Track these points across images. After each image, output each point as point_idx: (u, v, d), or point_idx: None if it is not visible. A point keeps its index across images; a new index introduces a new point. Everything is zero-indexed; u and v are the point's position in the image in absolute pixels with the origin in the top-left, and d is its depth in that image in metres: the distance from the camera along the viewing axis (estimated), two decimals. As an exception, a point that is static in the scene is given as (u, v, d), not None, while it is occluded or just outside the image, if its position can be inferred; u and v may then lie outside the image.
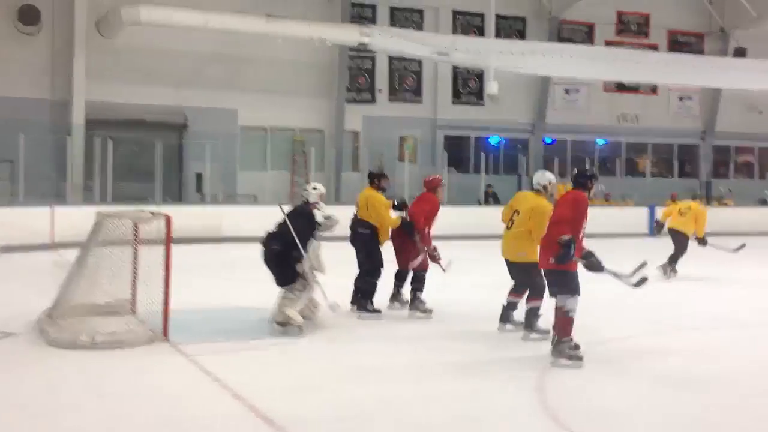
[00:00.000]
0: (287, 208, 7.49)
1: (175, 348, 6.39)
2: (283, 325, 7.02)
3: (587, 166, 6.03)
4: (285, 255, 7.15)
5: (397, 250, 8.32)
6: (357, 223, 8.34)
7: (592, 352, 6.27)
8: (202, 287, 9.56)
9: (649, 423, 4.80)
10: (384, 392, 5.30)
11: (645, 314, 8.36)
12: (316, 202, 7.64)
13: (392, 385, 5.49)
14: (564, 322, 6.05)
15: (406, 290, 8.38)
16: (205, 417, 4.76)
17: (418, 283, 8.22)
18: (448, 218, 10.91)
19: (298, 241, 7.10)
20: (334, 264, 7.40)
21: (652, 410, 5.00)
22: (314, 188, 7.76)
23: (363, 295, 8.11)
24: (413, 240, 8.14)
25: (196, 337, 6.76)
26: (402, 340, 7.13)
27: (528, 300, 7.08)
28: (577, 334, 6.14)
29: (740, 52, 24.35)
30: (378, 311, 8.07)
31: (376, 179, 8.49)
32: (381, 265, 8.20)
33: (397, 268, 8.41)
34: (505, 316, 7.36)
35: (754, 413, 5.07)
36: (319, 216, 7.50)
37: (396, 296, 8.49)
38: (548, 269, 6.23)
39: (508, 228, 7.28)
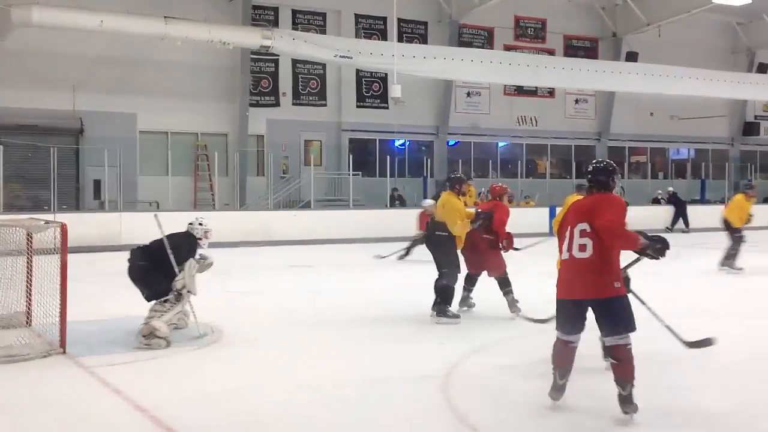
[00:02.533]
0: (164, 227, 7.14)
1: (73, 360, 6.18)
2: (148, 337, 6.69)
3: (602, 161, 4.79)
4: (151, 271, 6.97)
5: (469, 254, 8.29)
6: (435, 226, 8.25)
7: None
8: (100, 297, 9.29)
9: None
10: (285, 398, 5.27)
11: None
12: (200, 239, 7.36)
13: (290, 394, 5.45)
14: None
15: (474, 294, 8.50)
16: (107, 429, 4.62)
17: (507, 286, 8.25)
18: (355, 221, 10.98)
19: (172, 257, 6.89)
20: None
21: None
22: (200, 224, 7.45)
23: (443, 300, 7.95)
24: (487, 244, 8.22)
25: (95, 349, 6.55)
26: (303, 346, 7.11)
27: None
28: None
29: (632, 56, 25.38)
30: (457, 317, 7.95)
31: (457, 184, 8.30)
32: (459, 268, 8.11)
33: (467, 272, 8.39)
34: None
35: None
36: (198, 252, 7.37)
37: (466, 300, 8.45)
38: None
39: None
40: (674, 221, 23.33)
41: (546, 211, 20.37)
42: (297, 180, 21.79)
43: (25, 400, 5.20)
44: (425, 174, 23.49)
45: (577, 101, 27.16)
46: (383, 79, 23.31)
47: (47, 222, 7.13)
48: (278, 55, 21.57)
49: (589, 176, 4.92)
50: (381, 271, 10.22)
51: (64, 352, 6.36)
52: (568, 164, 27.16)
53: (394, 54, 19.09)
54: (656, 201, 25.19)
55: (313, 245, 17.36)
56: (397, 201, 21.92)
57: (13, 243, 7.18)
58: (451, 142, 25.48)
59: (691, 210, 23.80)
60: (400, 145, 25.00)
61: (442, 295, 7.94)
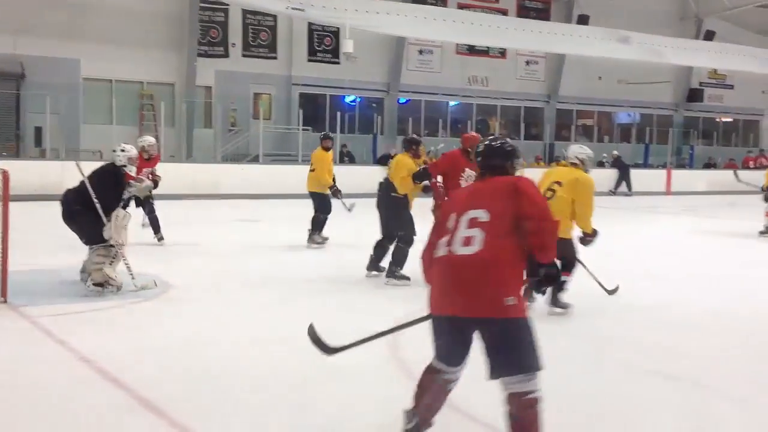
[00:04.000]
0: (87, 168, 6.98)
1: (15, 310, 6.06)
2: (101, 285, 6.66)
3: (497, 139, 4.47)
4: (85, 214, 6.75)
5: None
6: (388, 187, 8.01)
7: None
8: (41, 247, 9.10)
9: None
10: (233, 352, 5.27)
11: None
12: (124, 165, 7.22)
13: (239, 348, 5.45)
14: None
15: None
16: (50, 381, 4.56)
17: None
18: (303, 176, 10.94)
19: (98, 206, 6.71)
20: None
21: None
22: (122, 150, 7.30)
23: (395, 262, 7.82)
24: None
25: (37, 299, 6.43)
26: (251, 300, 7.10)
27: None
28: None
29: (583, 20, 25.51)
30: (407, 278, 7.72)
31: (414, 145, 8.23)
32: (415, 230, 7.84)
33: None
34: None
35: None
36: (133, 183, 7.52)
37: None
38: None
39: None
40: (617, 184, 23.78)
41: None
42: (246, 133, 21.52)
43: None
44: (375, 131, 23.42)
45: (528, 63, 27.29)
46: (335, 34, 23.03)
47: (-13, 168, 6.92)
48: (228, 5, 21.12)
49: (480, 159, 3.69)
50: (327, 226, 10.22)
51: (5, 301, 6.23)
52: (517, 125, 27.36)
53: (346, 8, 18.85)
54: (601, 164, 25.58)
55: (260, 199, 17.25)
56: (347, 158, 21.84)
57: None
58: (402, 100, 25.41)
59: (635, 174, 24.29)
60: (350, 101, 24.84)
61: (397, 256, 7.86)
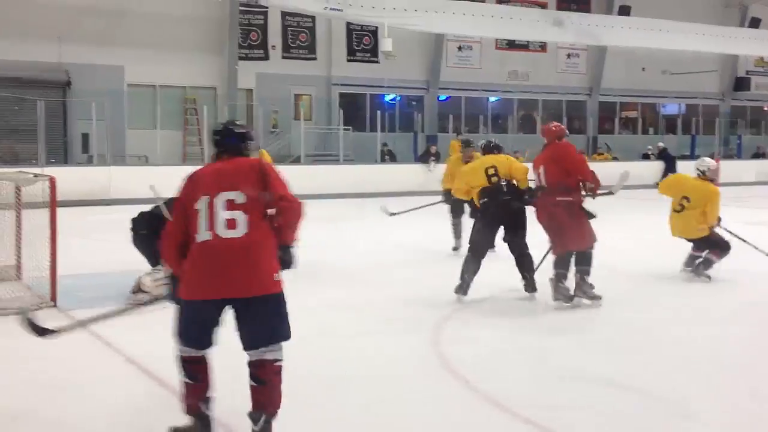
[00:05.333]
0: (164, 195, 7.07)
1: (64, 313, 6.18)
2: (135, 292, 6.74)
3: (232, 122, 4.39)
4: (152, 239, 6.86)
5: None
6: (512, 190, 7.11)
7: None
8: (90, 251, 9.26)
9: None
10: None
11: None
12: None
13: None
14: None
15: None
16: (98, 381, 4.66)
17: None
18: (345, 176, 10.95)
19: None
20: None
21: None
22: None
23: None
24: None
25: (85, 302, 6.55)
26: (290, 300, 7.13)
27: (711, 252, 8.04)
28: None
29: (625, 10, 25.12)
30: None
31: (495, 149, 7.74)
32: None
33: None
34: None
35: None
36: None
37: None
38: None
39: (677, 211, 8.16)
40: (664, 176, 23.31)
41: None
42: (287, 135, 21.67)
43: (17, 352, 5.21)
44: (416, 129, 23.39)
45: (568, 56, 26.98)
46: (374, 33, 23.05)
47: (36, 175, 7.08)
48: (267, 7, 21.26)
49: (218, 138, 3.88)
50: (372, 227, 10.22)
51: (55, 305, 6.36)
52: (559, 119, 27.05)
53: (384, 7, 18.87)
54: (646, 156, 25.21)
55: (303, 200, 17.30)
56: (387, 156, 21.86)
57: (2, 196, 7.14)
58: (442, 97, 25.33)
59: (681, 165, 23.81)
60: (390, 99, 24.84)
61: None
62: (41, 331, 3.97)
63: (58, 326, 3.99)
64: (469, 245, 7.10)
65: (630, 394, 4.60)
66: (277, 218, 3.60)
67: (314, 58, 22.98)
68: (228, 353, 3.70)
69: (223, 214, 3.52)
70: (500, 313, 6.50)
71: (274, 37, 22.36)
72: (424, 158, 20.45)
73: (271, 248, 3.59)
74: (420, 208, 9.54)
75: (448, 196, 9.42)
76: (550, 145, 7.00)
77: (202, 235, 3.54)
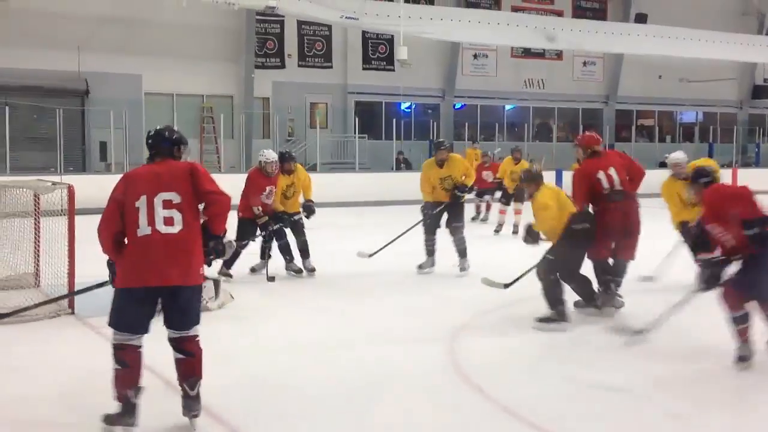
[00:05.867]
0: None
1: (82, 321, 6.24)
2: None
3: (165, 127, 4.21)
4: None
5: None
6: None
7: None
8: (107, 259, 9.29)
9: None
10: (295, 363, 5.33)
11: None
12: None
13: (301, 356, 5.51)
14: None
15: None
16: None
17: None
18: (361, 184, 10.96)
19: None
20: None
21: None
22: None
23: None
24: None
25: (103, 310, 6.53)
26: (308, 306, 7.16)
27: None
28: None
29: (641, 18, 25.06)
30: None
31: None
32: None
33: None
34: None
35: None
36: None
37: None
38: None
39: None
40: (681, 185, 23.18)
41: (552, 174, 20.28)
42: (303, 143, 21.74)
43: (35, 359, 5.27)
44: (431, 137, 23.39)
45: (585, 64, 26.92)
46: (389, 41, 23.08)
47: (54, 183, 7.15)
48: (284, 16, 21.36)
49: (151, 142, 4.30)
50: (388, 235, 10.15)
51: (73, 312, 6.41)
52: (575, 127, 26.99)
53: (400, 15, 18.91)
54: (663, 165, 24.99)
55: (319, 207, 17.34)
56: (403, 164, 21.88)
57: (21, 204, 7.22)
58: (458, 105, 25.34)
59: (698, 174, 23.69)
60: (406, 108, 24.88)
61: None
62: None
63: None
64: (560, 271, 6.39)
65: (646, 405, 4.58)
66: (205, 210, 4.09)
67: (330, 67, 23.07)
68: (226, 361, 3.72)
69: (161, 212, 3.98)
70: (513, 322, 6.47)
71: (291, 46, 22.47)
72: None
73: (200, 245, 4.09)
74: (396, 239, 9.04)
75: (431, 208, 8.71)
76: (607, 151, 7.23)
77: (143, 230, 3.97)
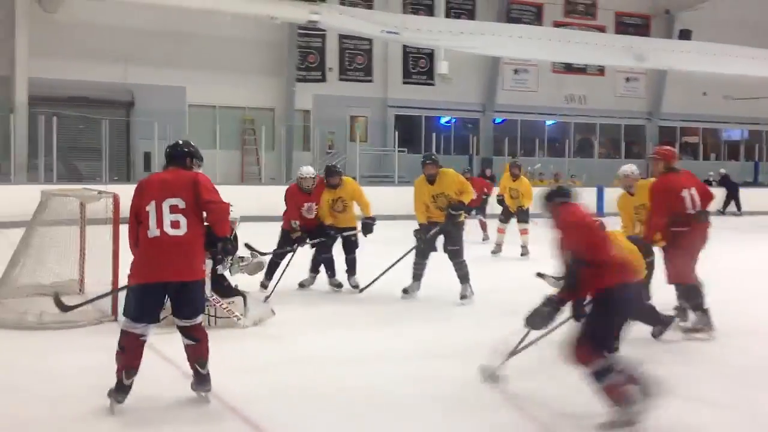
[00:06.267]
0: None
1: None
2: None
3: (179, 142, 4.96)
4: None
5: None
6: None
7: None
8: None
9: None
10: (334, 373, 5.35)
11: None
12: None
13: (342, 367, 5.53)
14: None
15: None
16: (156, 396, 4.75)
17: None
18: (400, 197, 10.95)
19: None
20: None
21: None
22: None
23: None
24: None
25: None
26: (344, 319, 7.18)
27: None
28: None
29: (685, 34, 24.80)
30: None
31: None
32: None
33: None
34: None
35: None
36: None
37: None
38: None
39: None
40: (726, 204, 22.84)
41: (594, 191, 20.14)
42: (342, 155, 21.86)
43: (78, 365, 5.35)
44: (471, 152, 23.36)
45: (627, 80, 26.68)
46: (430, 55, 23.15)
47: (100, 192, 7.28)
48: (325, 30, 21.56)
49: (168, 150, 4.89)
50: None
51: (116, 319, 6.50)
52: (617, 144, 26.77)
53: (441, 30, 18.97)
54: (707, 182, 24.67)
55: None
56: (442, 178, 21.82)
57: (67, 212, 7.36)
58: (498, 120, 25.27)
59: (744, 193, 23.30)
60: (445, 122, 24.89)
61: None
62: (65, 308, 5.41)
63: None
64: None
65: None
66: (207, 218, 4.62)
67: (370, 81, 23.20)
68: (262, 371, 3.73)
69: (169, 217, 4.48)
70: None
71: (332, 60, 22.66)
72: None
73: (202, 245, 4.65)
74: (389, 268, 8.37)
75: (425, 230, 7.99)
76: (683, 170, 6.85)
77: (153, 231, 4.47)
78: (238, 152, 21.30)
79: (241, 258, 7.12)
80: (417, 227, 8.08)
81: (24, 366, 5.41)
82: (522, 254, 11.46)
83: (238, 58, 20.86)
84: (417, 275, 8.16)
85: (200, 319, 4.69)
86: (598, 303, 4.32)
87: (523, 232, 11.74)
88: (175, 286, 4.51)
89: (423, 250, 8.02)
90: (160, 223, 4.47)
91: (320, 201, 8.45)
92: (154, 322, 4.59)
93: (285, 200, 8.42)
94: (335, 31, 21.55)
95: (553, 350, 4.63)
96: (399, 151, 21.68)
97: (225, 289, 6.73)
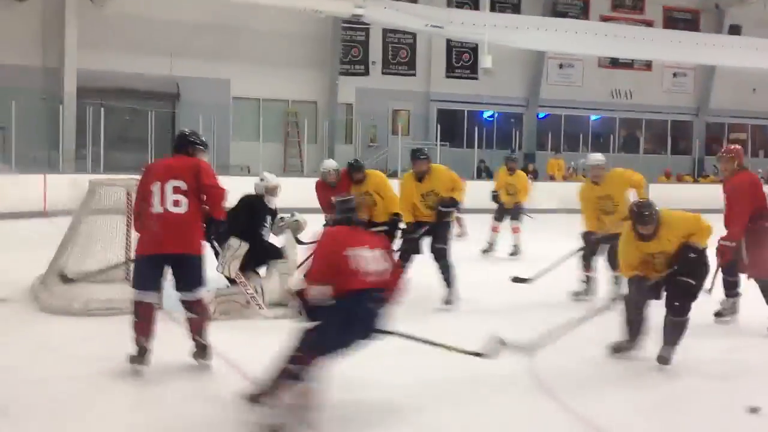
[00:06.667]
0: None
1: (170, 316, 6.39)
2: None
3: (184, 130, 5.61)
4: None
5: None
6: None
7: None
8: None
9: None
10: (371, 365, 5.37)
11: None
12: (261, 195, 7.25)
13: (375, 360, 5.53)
14: None
15: None
16: (202, 378, 4.88)
17: None
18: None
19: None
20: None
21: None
22: (261, 179, 7.34)
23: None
24: None
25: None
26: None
27: None
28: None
29: (735, 30, 24.29)
30: None
31: None
32: None
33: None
34: None
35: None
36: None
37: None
38: None
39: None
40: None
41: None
42: (385, 149, 21.88)
43: (120, 352, 5.42)
44: (513, 147, 23.20)
45: (675, 75, 26.22)
46: (473, 49, 23.02)
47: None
48: (369, 24, 21.58)
49: (175, 142, 5.40)
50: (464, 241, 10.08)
51: (161, 307, 6.58)
52: (663, 139, 26.33)
53: (485, 23, 18.84)
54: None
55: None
56: (484, 173, 21.75)
57: (113, 201, 7.48)
58: (542, 115, 25.04)
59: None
60: (488, 116, 24.74)
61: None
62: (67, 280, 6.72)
63: None
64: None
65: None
66: (206, 200, 5.06)
67: (413, 74, 23.15)
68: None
69: (171, 196, 4.95)
70: (592, 336, 6.35)
71: (375, 53, 22.67)
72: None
73: (200, 223, 5.09)
74: None
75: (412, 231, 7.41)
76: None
77: (156, 208, 4.95)
78: (281, 145, 21.44)
79: (281, 218, 7.27)
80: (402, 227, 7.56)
81: (70, 351, 5.53)
82: (512, 253, 10.82)
83: (282, 52, 20.98)
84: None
85: (202, 294, 5.14)
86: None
87: (516, 230, 11.07)
88: (174, 259, 4.97)
89: (406, 251, 7.26)
90: (163, 201, 4.95)
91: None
92: (159, 291, 5.11)
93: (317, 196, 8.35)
94: (379, 25, 21.56)
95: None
96: (441, 144, 21.61)
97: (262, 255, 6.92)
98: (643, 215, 5.28)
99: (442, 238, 7.29)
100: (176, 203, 4.96)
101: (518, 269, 8.23)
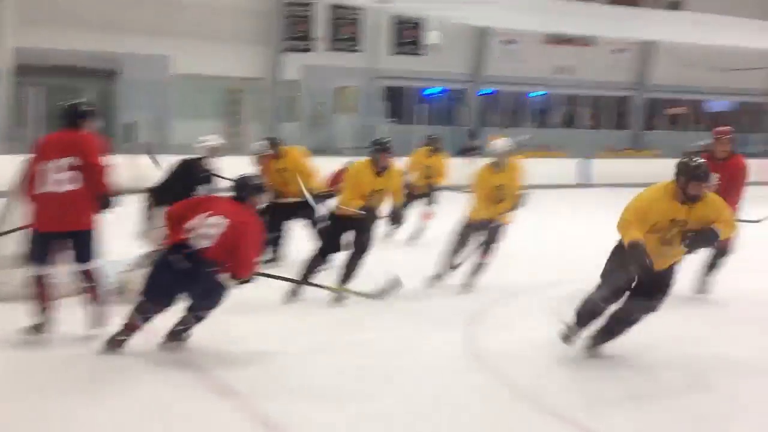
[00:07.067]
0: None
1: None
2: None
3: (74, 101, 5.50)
4: None
5: None
6: None
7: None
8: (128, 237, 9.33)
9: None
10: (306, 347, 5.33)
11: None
12: (200, 157, 7.25)
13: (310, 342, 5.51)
14: None
15: None
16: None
17: None
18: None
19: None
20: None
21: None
22: (202, 140, 7.39)
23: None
24: None
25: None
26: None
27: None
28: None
29: (674, 5, 24.66)
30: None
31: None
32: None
33: None
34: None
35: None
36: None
37: None
38: None
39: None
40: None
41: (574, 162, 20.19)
42: (330, 126, 21.76)
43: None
44: (458, 123, 23.29)
45: (616, 51, 26.53)
46: (419, 26, 22.95)
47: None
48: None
49: (62, 117, 5.28)
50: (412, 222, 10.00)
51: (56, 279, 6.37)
52: (605, 115, 26.73)
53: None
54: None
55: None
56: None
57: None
58: (487, 91, 25.15)
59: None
60: (434, 92, 24.74)
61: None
62: None
63: None
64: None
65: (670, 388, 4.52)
66: (85, 176, 5.05)
67: (359, 51, 22.99)
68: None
69: (60, 175, 4.99)
70: (536, 309, 6.41)
71: (320, 29, 22.42)
72: (466, 152, 20.36)
73: (89, 200, 5.11)
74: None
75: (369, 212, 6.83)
76: None
77: (46, 187, 5.01)
78: (225, 123, 21.12)
79: None
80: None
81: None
82: (412, 238, 10.13)
83: (225, 27, 20.57)
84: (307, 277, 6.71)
85: (95, 265, 5.23)
86: None
87: (427, 216, 10.39)
88: (65, 236, 5.09)
89: (324, 249, 6.81)
90: (49, 179, 5.01)
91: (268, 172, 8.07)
92: (52, 264, 5.16)
93: None
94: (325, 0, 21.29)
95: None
96: (389, 121, 21.56)
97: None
98: (707, 172, 4.73)
99: (369, 233, 6.81)
100: (62, 181, 5.01)
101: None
